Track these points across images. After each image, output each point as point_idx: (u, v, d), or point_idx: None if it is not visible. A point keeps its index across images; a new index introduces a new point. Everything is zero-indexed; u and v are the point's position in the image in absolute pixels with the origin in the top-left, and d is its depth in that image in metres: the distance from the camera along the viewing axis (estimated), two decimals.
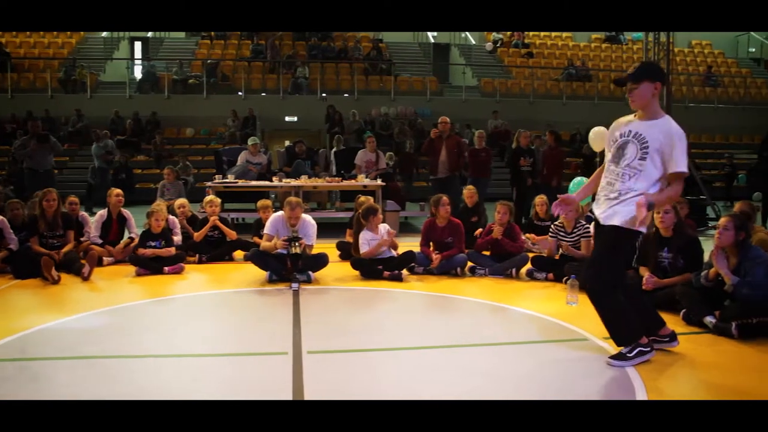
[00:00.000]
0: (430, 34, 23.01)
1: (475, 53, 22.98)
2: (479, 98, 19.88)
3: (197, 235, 7.19)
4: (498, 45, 22.67)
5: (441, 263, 6.35)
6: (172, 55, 20.68)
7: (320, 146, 15.72)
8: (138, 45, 22.03)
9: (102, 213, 7.21)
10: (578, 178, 7.87)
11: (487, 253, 6.54)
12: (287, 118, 18.55)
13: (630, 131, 3.57)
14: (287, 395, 3.19)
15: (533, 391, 3.31)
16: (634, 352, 3.60)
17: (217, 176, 10.05)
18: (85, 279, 6.07)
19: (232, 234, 7.28)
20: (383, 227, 6.53)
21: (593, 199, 3.89)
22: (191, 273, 6.58)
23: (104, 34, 20.90)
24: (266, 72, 19.72)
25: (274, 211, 6.62)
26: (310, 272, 6.10)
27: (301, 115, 18.43)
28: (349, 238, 7.13)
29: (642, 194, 3.44)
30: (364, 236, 6.39)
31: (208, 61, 19.52)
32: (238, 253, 7.24)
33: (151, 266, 6.41)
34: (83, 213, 7.29)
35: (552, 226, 6.43)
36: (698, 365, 3.70)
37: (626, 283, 3.87)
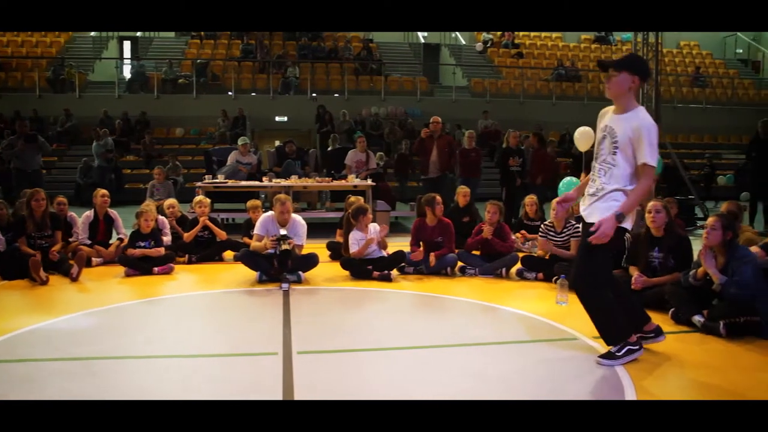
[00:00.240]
0: (420, 34, 23.04)
1: (466, 53, 23.04)
2: (469, 98, 19.93)
3: (187, 236, 7.16)
4: (488, 45, 22.72)
5: (429, 261, 6.35)
6: (161, 55, 20.59)
7: (310, 146, 15.71)
8: (127, 44, 21.92)
9: (88, 214, 7.15)
10: (568, 179, 7.90)
11: (477, 252, 6.56)
12: (277, 118, 18.52)
13: (606, 126, 3.57)
14: (277, 396, 3.18)
15: (523, 390, 3.32)
16: (624, 350, 3.62)
17: (206, 176, 10.02)
18: (74, 280, 6.04)
19: (222, 234, 7.26)
20: (373, 227, 6.52)
21: None
22: (181, 273, 6.56)
23: (93, 33, 20.77)
24: (256, 72, 19.69)
25: (264, 211, 6.61)
26: (300, 272, 6.10)
27: (291, 115, 18.41)
28: (339, 238, 7.12)
29: (616, 190, 3.45)
30: (354, 236, 6.38)
31: (198, 60, 19.46)
32: (228, 254, 7.23)
33: (140, 267, 6.38)
34: (71, 213, 7.24)
35: (542, 225, 6.45)
36: (687, 364, 3.72)
37: (614, 281, 3.88)
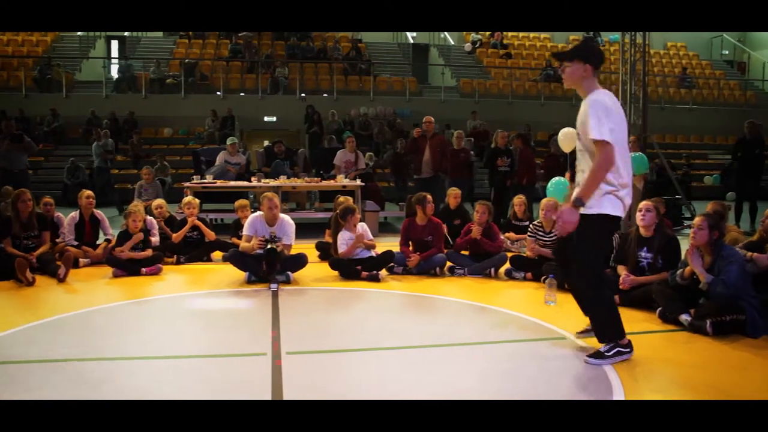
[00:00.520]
0: (409, 34, 23.05)
1: (454, 54, 23.09)
2: (458, 98, 19.96)
3: (176, 236, 7.13)
4: (477, 45, 22.76)
5: (419, 263, 6.36)
6: (149, 55, 20.46)
7: (299, 146, 15.67)
8: (115, 44, 21.80)
9: (73, 215, 7.08)
10: (556, 179, 7.92)
11: (466, 252, 6.57)
12: (266, 118, 18.48)
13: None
14: (266, 396, 3.17)
15: (512, 389, 3.33)
16: (613, 351, 3.63)
17: (195, 176, 9.98)
18: (61, 280, 5.99)
19: (211, 235, 7.23)
20: (361, 226, 6.52)
21: None
22: (169, 274, 6.53)
23: (80, 32, 20.62)
24: (245, 72, 19.62)
25: (253, 212, 6.59)
26: (289, 273, 6.09)
27: (280, 115, 18.37)
28: (328, 239, 7.11)
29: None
30: (343, 236, 6.38)
31: (186, 60, 19.36)
32: (217, 254, 7.20)
33: (128, 267, 6.34)
34: (59, 213, 7.18)
35: (531, 225, 6.47)
36: (673, 362, 3.75)
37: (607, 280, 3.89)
